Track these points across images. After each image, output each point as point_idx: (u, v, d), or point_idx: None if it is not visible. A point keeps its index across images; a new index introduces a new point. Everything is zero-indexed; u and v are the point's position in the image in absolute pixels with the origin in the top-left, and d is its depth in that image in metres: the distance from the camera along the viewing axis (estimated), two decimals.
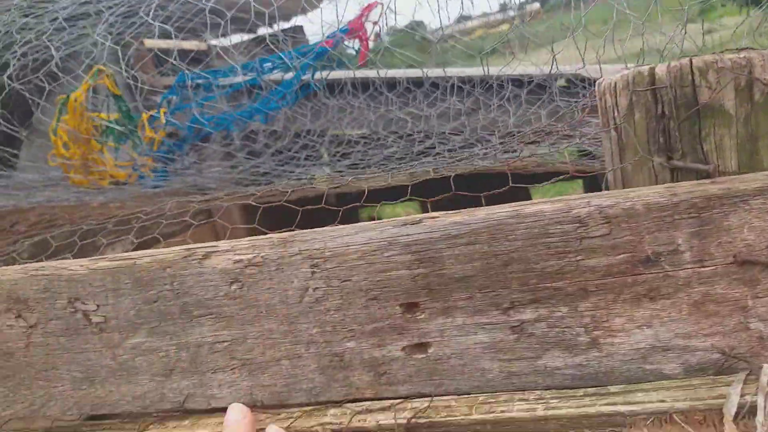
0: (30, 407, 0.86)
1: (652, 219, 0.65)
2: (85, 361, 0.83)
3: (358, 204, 1.08)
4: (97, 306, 0.81)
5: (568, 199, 0.67)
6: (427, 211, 0.73)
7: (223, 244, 0.77)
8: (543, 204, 0.68)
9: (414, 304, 0.72)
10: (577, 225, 0.66)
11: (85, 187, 2.18)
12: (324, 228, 0.74)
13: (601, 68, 1.87)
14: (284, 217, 1.00)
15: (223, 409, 0.81)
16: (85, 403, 0.84)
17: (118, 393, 0.83)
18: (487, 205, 0.71)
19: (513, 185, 0.92)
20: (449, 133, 2.29)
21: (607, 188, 0.80)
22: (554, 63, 1.36)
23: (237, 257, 0.76)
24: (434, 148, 2.07)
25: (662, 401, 0.61)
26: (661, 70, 0.69)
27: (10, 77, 1.57)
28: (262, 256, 0.75)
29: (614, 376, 0.68)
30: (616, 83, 0.73)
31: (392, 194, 1.14)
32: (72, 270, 0.81)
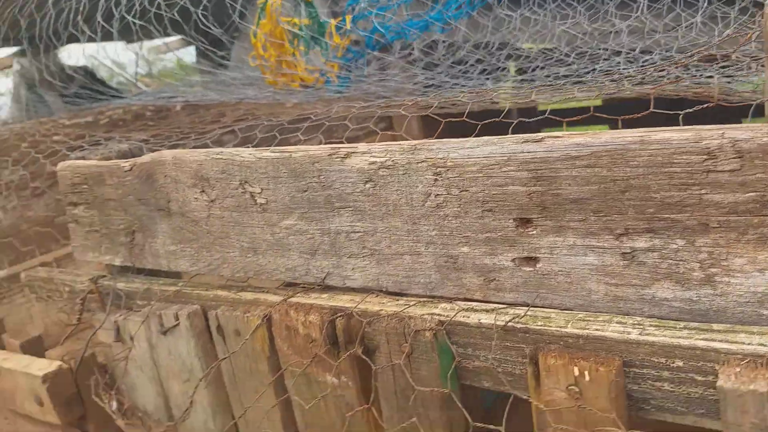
0: (209, 266, 1.06)
1: None
2: (251, 234, 0.99)
3: (531, 121, 1.01)
4: (261, 189, 0.95)
5: (700, 128, 0.64)
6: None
7: (362, 146, 0.85)
8: (671, 132, 0.65)
9: (527, 220, 0.75)
10: (705, 157, 0.63)
11: (278, 88, 2.42)
12: (450, 139, 0.78)
13: None
14: (463, 130, 1.04)
15: (356, 289, 0.93)
16: (249, 269, 1.02)
17: (275, 264, 0.98)
18: None
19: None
20: (640, 53, 2.10)
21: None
22: None
23: (372, 159, 0.84)
24: (618, 66, 1.93)
25: (762, 345, 0.59)
26: None
27: None
28: (393, 160, 0.83)
29: (726, 316, 0.66)
30: None
31: (575, 113, 1.07)
32: (243, 157, 0.96)
